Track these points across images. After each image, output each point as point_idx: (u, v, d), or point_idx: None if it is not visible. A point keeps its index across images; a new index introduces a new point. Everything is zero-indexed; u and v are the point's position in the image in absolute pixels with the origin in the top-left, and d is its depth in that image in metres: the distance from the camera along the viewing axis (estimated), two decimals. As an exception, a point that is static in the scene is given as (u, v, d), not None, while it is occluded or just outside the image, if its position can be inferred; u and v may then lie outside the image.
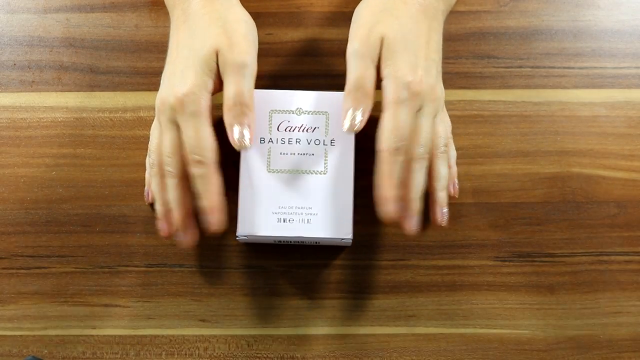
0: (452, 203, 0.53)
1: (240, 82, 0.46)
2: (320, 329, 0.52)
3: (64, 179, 0.54)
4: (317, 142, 0.49)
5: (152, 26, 0.56)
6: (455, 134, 0.54)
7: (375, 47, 0.46)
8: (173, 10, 0.50)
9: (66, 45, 0.55)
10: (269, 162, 0.49)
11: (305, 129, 0.49)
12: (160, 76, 0.54)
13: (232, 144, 0.47)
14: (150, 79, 0.55)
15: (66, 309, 0.52)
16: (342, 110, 0.47)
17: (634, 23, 0.56)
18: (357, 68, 0.46)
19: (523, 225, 0.53)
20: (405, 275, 0.53)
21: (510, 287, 0.53)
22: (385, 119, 0.46)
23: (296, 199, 0.48)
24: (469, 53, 0.55)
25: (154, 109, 0.54)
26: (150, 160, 0.50)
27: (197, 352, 0.52)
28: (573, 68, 0.55)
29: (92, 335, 0.52)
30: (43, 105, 0.55)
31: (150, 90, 0.55)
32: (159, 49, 0.55)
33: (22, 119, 0.55)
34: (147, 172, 0.53)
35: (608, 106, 0.55)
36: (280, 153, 0.49)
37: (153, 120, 0.54)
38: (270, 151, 0.49)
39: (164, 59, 0.55)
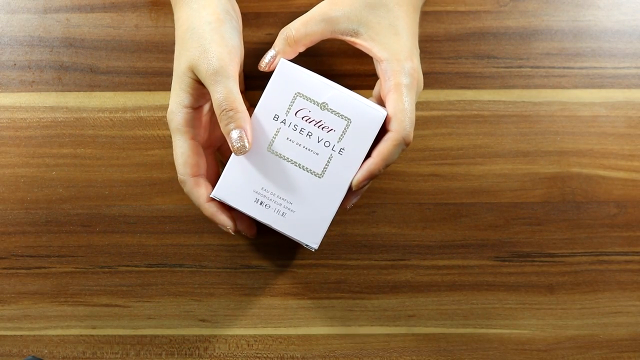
0: (452, 203, 0.53)
1: (218, 91, 0.45)
2: (320, 329, 0.52)
3: (64, 179, 0.54)
4: (327, 144, 0.47)
5: (152, 26, 0.56)
6: (455, 133, 0.54)
7: None
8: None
9: (66, 45, 0.55)
10: (273, 141, 0.47)
11: (322, 127, 0.47)
12: (160, 76, 0.53)
13: (232, 152, 0.46)
14: (150, 79, 0.55)
15: (66, 309, 0.52)
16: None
17: (634, 23, 0.56)
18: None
19: (523, 225, 0.53)
20: (405, 275, 0.53)
21: (510, 287, 0.53)
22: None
23: (282, 188, 0.47)
24: (469, 53, 0.55)
25: (155, 109, 0.54)
26: None
27: (197, 352, 0.52)
28: (573, 68, 0.55)
29: (92, 335, 0.52)
30: (43, 105, 0.55)
31: (150, 91, 0.55)
32: (159, 49, 0.55)
33: (22, 119, 0.55)
34: None
35: (608, 106, 0.55)
36: (287, 138, 0.47)
37: (153, 121, 0.55)
38: (278, 132, 0.47)
39: (163, 59, 0.55)
